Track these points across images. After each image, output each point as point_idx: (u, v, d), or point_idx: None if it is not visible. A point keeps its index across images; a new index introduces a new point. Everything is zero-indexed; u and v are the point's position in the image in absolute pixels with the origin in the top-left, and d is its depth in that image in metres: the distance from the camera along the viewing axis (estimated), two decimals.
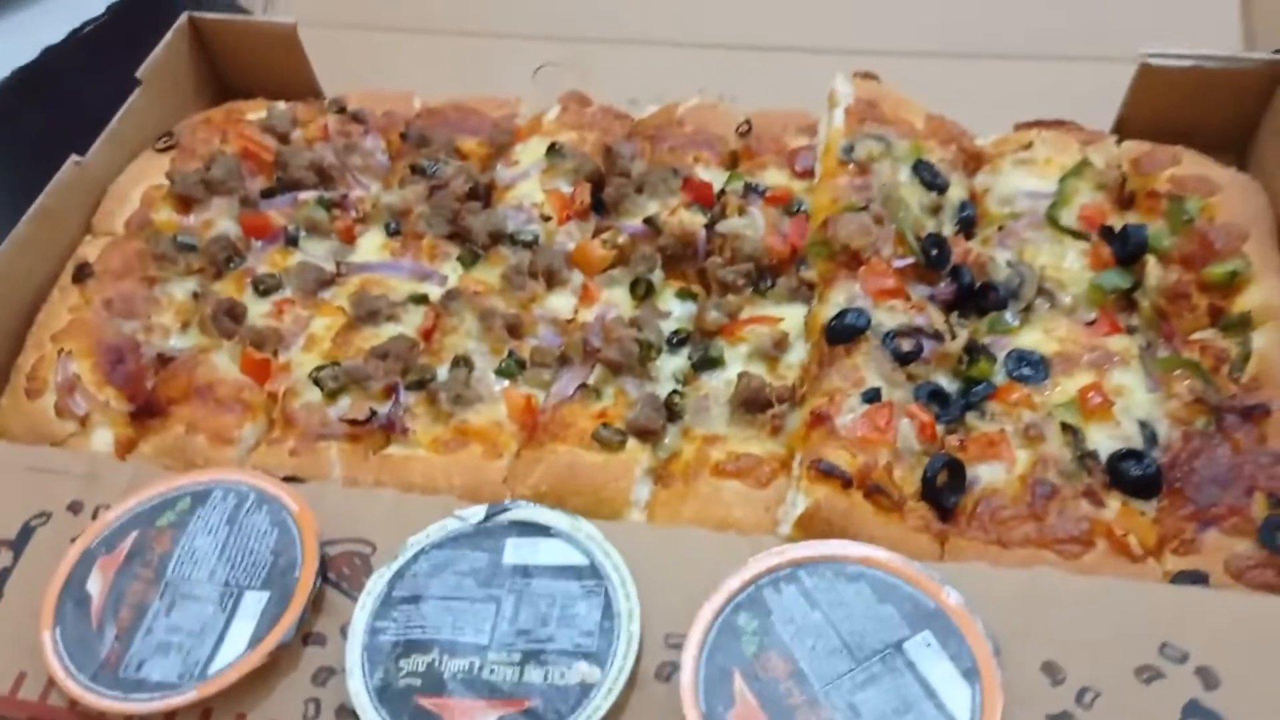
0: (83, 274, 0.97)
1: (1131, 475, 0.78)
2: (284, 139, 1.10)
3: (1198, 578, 0.72)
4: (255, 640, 0.67)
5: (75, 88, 1.37)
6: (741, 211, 0.99)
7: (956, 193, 0.98)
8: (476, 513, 0.73)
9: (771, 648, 0.65)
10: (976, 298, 0.91)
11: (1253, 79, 1.01)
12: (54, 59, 1.40)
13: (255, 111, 1.13)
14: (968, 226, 0.97)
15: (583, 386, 0.88)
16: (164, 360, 0.93)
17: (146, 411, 0.90)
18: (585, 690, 0.64)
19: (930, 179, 0.97)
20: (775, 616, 0.66)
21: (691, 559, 0.70)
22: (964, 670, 0.63)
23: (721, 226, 0.98)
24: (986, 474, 0.80)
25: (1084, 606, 0.66)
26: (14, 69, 1.38)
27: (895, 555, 0.68)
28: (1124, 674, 0.63)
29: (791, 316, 0.92)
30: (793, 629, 0.65)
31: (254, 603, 0.69)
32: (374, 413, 0.86)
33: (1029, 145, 1.01)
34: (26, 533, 0.76)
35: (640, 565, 0.69)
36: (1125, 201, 0.98)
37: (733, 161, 1.07)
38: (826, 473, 0.76)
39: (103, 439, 0.88)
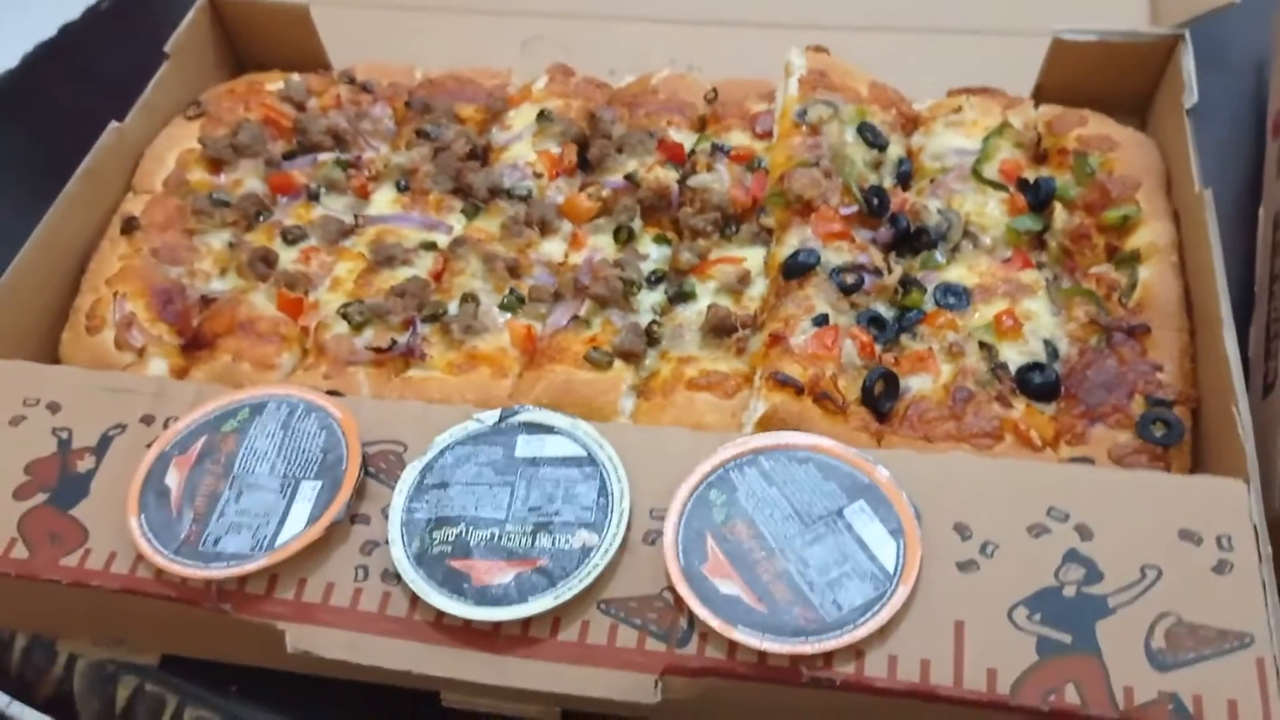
0: (130, 226, 1.09)
1: (1035, 383, 0.93)
2: (301, 107, 1.23)
3: (1085, 461, 0.88)
4: (312, 519, 0.81)
5: (96, 62, 1.48)
6: (709, 168, 1.13)
7: (895, 150, 1.13)
8: (492, 415, 0.87)
9: (737, 516, 0.80)
10: (911, 240, 1.06)
11: (1151, 51, 1.16)
12: (73, 35, 1.52)
13: (273, 83, 1.25)
14: (905, 180, 1.12)
15: (575, 318, 1.02)
16: (207, 301, 1.06)
17: (195, 344, 1.04)
18: (586, 552, 0.79)
19: (873, 138, 1.11)
20: (739, 492, 0.81)
21: (671, 450, 0.84)
22: (891, 530, 0.78)
23: (692, 181, 1.12)
24: (916, 384, 0.95)
25: (988, 481, 0.81)
26: (36, 44, 1.50)
27: (837, 443, 0.83)
28: (1018, 530, 0.78)
29: (753, 257, 1.06)
30: (754, 501, 0.80)
31: (309, 490, 0.83)
32: (395, 342, 1.00)
33: (959, 109, 1.15)
34: (106, 441, 0.89)
35: (629, 456, 0.84)
36: (1040, 158, 1.13)
37: (701, 125, 1.21)
38: (782, 382, 0.91)
39: (158, 367, 1.01)
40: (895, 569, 0.76)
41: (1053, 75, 1.20)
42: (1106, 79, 1.17)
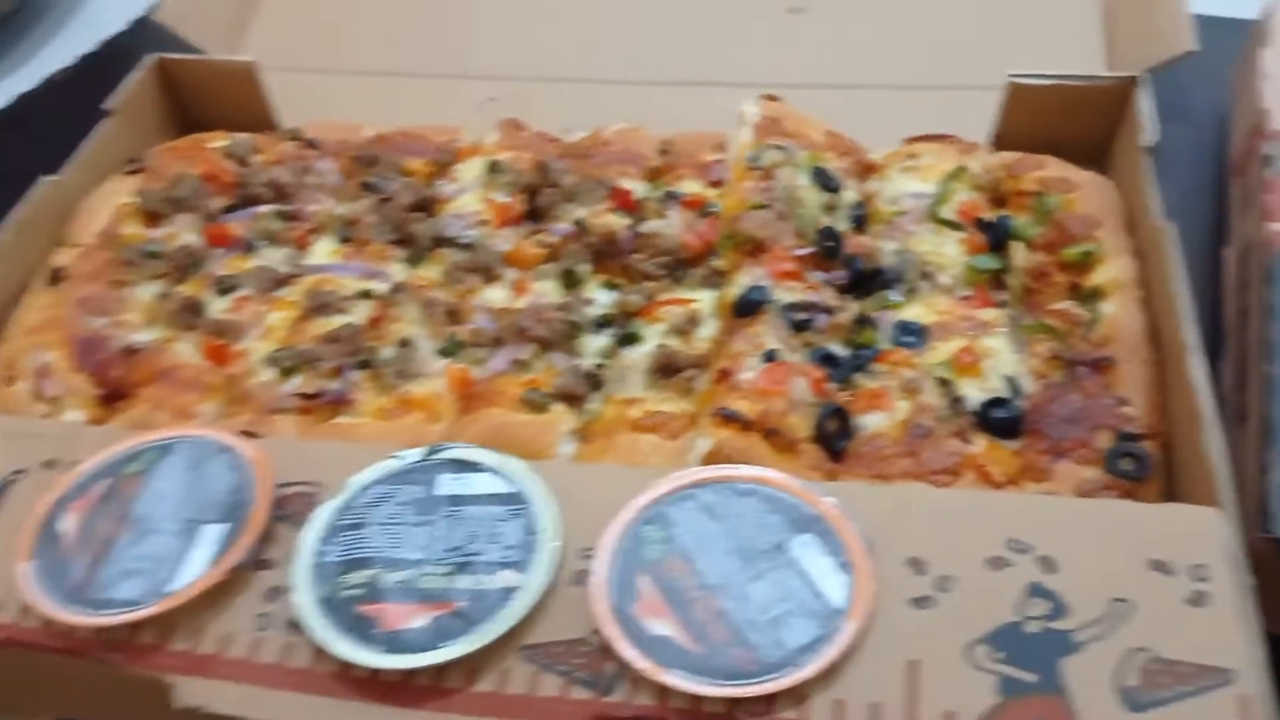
0: (57, 278, 1.05)
1: (997, 418, 0.88)
2: (244, 163, 1.20)
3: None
4: (213, 564, 0.75)
5: (49, 126, 1.46)
6: (661, 215, 1.10)
7: (850, 195, 1.10)
8: (415, 453, 0.81)
9: (674, 553, 0.74)
10: (867, 281, 1.02)
11: (1109, 96, 1.14)
12: (27, 104, 1.50)
13: (218, 141, 1.23)
14: (860, 223, 1.08)
15: (515, 362, 0.98)
16: (131, 352, 1.01)
17: (114, 395, 0.98)
18: (508, 593, 0.72)
19: (826, 182, 1.08)
20: (677, 528, 0.75)
21: (608, 486, 0.78)
22: (840, 564, 0.72)
23: (643, 228, 1.08)
24: (871, 421, 0.90)
25: (945, 514, 0.75)
26: None
27: (782, 474, 0.77)
28: (977, 564, 0.72)
29: (704, 299, 1.02)
30: (692, 537, 0.74)
31: (213, 533, 0.77)
32: (324, 389, 0.95)
33: (915, 155, 1.13)
34: (3, 488, 0.83)
35: (563, 493, 0.78)
36: (998, 201, 1.10)
37: (654, 175, 1.18)
38: (729, 417, 0.86)
39: (74, 418, 0.96)
40: (843, 605, 0.70)
41: (1010, 122, 1.18)
42: (1065, 125, 1.15)
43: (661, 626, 0.70)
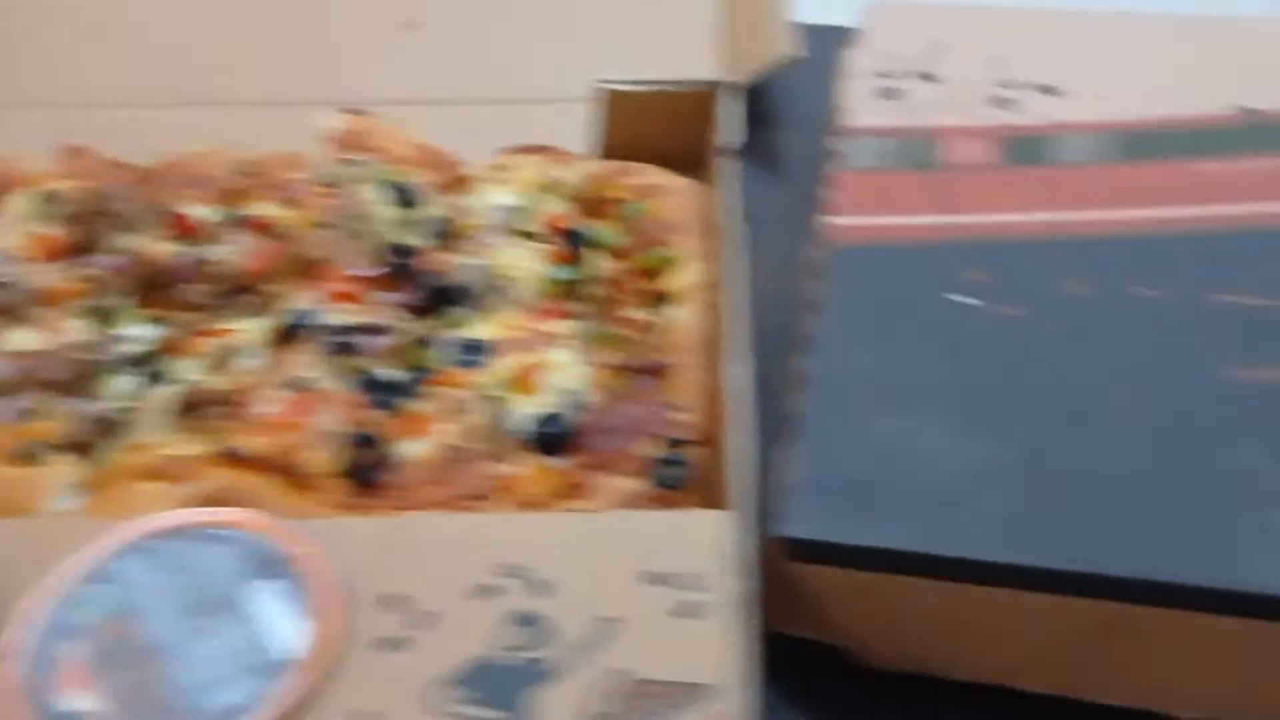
0: None
1: (544, 435, 0.83)
2: None
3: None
4: None
5: None
6: (222, 239, 1.00)
7: (432, 210, 1.03)
8: None
9: (116, 614, 0.64)
10: (440, 300, 0.96)
11: (704, 102, 1.12)
12: None
13: None
14: (441, 239, 1.02)
15: (21, 410, 0.86)
16: None
17: None
18: None
19: (404, 198, 1.01)
20: (125, 585, 0.65)
21: (65, 543, 0.68)
22: (303, 610, 0.64)
23: (200, 254, 0.99)
24: (410, 450, 0.82)
25: (441, 544, 0.69)
26: None
27: (259, 515, 0.69)
28: (461, 595, 0.65)
29: (253, 329, 0.93)
30: (143, 594, 0.65)
31: None
32: None
33: (506, 167, 1.08)
34: None
35: (26, 554, 0.67)
36: (591, 211, 1.06)
37: (227, 198, 1.08)
38: (235, 456, 0.77)
39: None
40: (296, 657, 0.62)
41: (614, 132, 1.14)
42: (666, 132, 1.12)
43: (81, 700, 0.60)
